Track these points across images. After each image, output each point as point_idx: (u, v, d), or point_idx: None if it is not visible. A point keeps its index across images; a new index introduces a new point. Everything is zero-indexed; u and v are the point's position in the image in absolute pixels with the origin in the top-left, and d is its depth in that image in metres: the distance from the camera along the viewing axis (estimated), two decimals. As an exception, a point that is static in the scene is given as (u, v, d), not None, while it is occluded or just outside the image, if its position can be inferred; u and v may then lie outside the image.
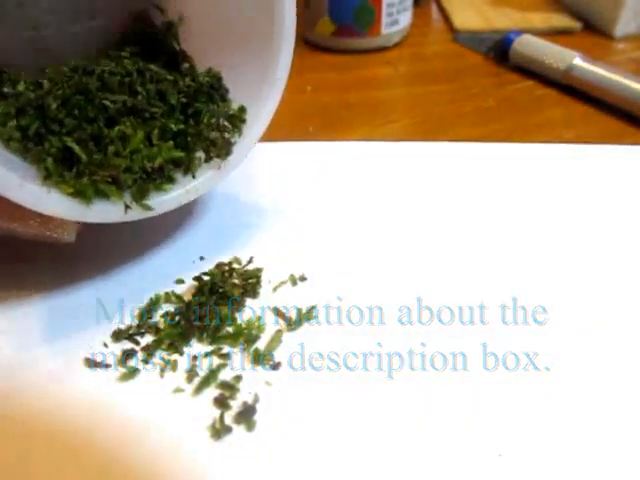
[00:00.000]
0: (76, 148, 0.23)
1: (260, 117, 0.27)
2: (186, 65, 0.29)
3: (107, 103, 0.24)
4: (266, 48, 0.27)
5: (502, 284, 0.27)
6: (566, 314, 0.26)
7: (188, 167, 0.26)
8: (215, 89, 0.28)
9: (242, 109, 0.28)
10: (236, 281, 0.27)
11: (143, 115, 0.25)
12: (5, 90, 0.25)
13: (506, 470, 0.20)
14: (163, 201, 0.25)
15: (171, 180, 0.25)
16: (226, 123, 0.27)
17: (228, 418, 0.22)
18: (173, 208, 0.26)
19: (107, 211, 0.23)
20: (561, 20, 0.52)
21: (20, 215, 0.22)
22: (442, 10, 0.57)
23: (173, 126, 0.26)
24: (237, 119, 0.27)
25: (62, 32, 0.29)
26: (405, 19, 0.50)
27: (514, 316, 0.25)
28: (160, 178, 0.25)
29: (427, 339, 0.25)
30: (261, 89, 0.27)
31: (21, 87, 0.25)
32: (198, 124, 0.26)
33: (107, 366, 0.24)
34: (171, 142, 0.25)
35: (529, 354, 0.24)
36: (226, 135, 0.27)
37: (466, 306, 0.26)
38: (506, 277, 0.27)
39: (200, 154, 0.26)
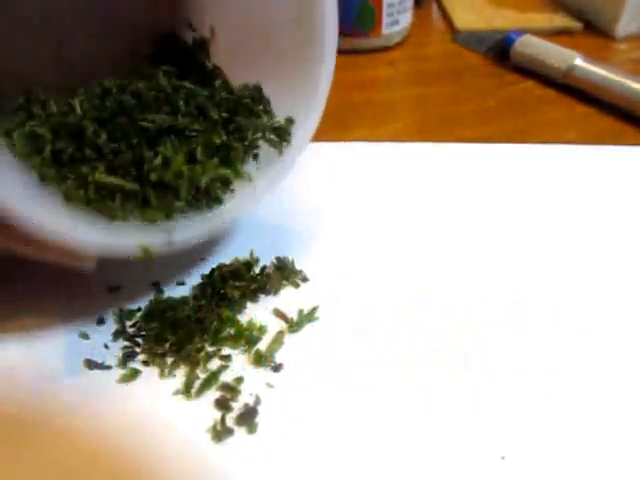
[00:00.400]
0: (126, 185, 0.22)
1: (302, 133, 0.26)
2: (219, 81, 0.28)
3: (147, 124, 0.23)
4: (305, 64, 0.25)
5: (503, 284, 0.27)
6: (567, 314, 0.26)
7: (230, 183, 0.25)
8: (256, 101, 0.27)
9: (290, 120, 0.26)
10: (237, 282, 0.27)
11: (184, 133, 0.24)
12: (34, 110, 0.24)
13: (509, 473, 0.20)
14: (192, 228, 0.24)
15: (219, 201, 0.24)
16: (272, 136, 0.26)
17: (229, 420, 0.22)
18: (204, 234, 0.25)
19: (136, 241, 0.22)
20: (562, 20, 0.52)
21: (39, 241, 0.21)
22: (442, 10, 0.57)
23: (217, 140, 0.24)
24: (284, 131, 0.26)
25: (88, 49, 0.28)
26: (405, 19, 0.50)
27: (515, 315, 0.25)
28: (207, 199, 0.24)
29: (428, 338, 0.24)
30: (301, 106, 0.26)
31: (53, 108, 0.24)
32: (242, 139, 0.25)
33: (107, 367, 0.24)
34: (216, 159, 0.24)
35: (530, 354, 0.24)
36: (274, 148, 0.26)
37: (467, 306, 0.26)
38: (507, 277, 0.27)
39: (247, 169, 0.25)
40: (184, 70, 0.28)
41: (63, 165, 0.22)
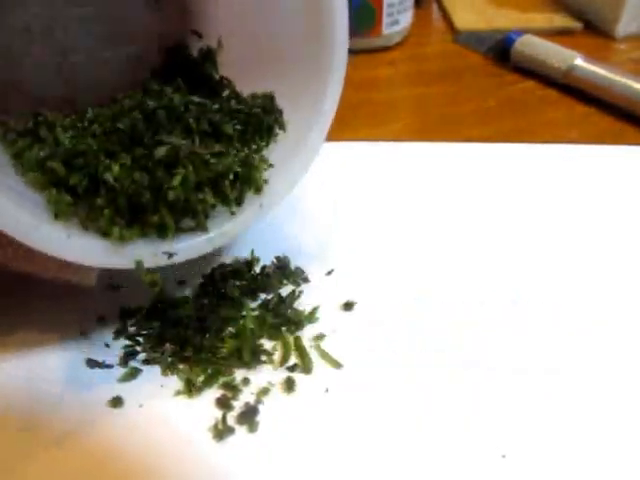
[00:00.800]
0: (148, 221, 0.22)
1: (307, 147, 0.26)
2: (227, 92, 0.27)
3: (161, 153, 0.22)
4: (314, 73, 0.25)
5: (503, 284, 0.27)
6: (567, 314, 0.26)
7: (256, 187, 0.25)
8: (267, 112, 0.26)
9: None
10: (237, 282, 0.27)
11: (202, 158, 0.23)
12: (42, 133, 0.23)
13: (509, 471, 0.20)
14: (201, 242, 0.24)
15: (239, 203, 0.24)
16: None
17: (230, 419, 0.22)
18: (209, 250, 0.24)
19: (138, 254, 0.22)
20: (562, 20, 0.52)
21: (38, 258, 0.21)
22: (443, 10, 0.57)
23: (238, 169, 0.24)
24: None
25: (92, 60, 0.28)
26: (406, 19, 0.50)
27: (515, 316, 0.26)
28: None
29: (428, 338, 0.25)
30: (308, 119, 0.25)
31: (64, 138, 0.23)
32: (259, 149, 0.25)
33: (108, 366, 0.24)
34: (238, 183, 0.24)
35: (530, 354, 0.24)
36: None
37: (467, 306, 0.26)
38: (507, 277, 0.27)
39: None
40: (191, 81, 0.28)
41: (77, 197, 0.22)
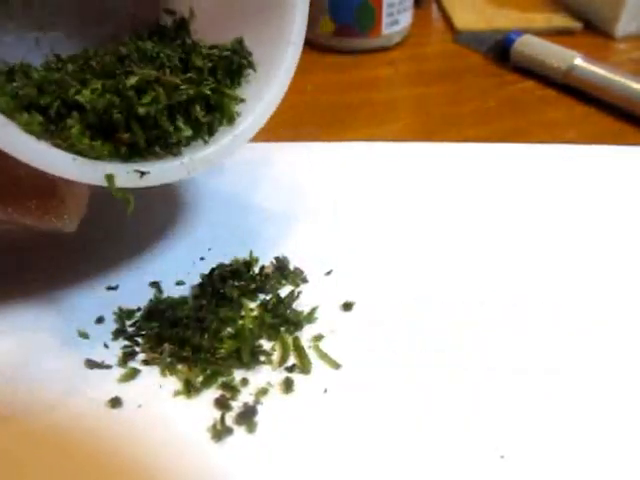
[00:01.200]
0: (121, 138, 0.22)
1: (277, 80, 0.26)
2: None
3: (132, 81, 0.22)
4: (280, 16, 0.26)
5: (503, 283, 0.27)
6: (567, 314, 0.26)
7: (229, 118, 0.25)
8: (236, 53, 0.27)
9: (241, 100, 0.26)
10: (236, 282, 0.27)
11: (173, 83, 0.23)
12: (16, 77, 0.24)
13: (508, 472, 0.20)
14: (171, 168, 0.23)
15: (211, 132, 0.25)
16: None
17: (229, 419, 0.22)
18: (176, 179, 0.24)
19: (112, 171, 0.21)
20: (562, 20, 0.52)
21: (16, 197, 0.21)
22: (442, 10, 0.57)
23: (208, 91, 0.24)
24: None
25: (69, 36, 0.29)
26: (405, 19, 0.50)
27: (515, 316, 0.25)
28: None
29: (428, 338, 0.24)
30: (277, 53, 0.26)
31: (35, 75, 0.23)
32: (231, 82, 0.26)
33: (107, 367, 0.24)
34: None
35: (530, 354, 0.24)
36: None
37: (467, 306, 0.26)
38: (507, 277, 0.27)
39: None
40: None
41: (50, 121, 0.21)
